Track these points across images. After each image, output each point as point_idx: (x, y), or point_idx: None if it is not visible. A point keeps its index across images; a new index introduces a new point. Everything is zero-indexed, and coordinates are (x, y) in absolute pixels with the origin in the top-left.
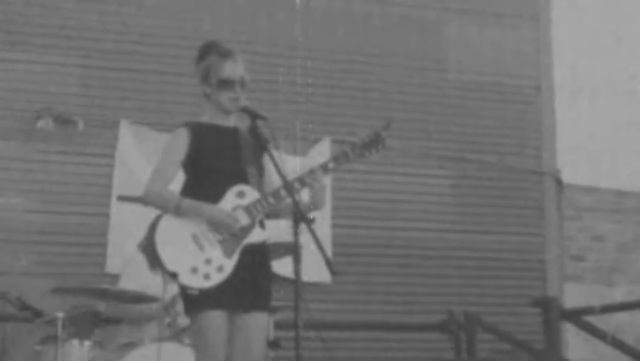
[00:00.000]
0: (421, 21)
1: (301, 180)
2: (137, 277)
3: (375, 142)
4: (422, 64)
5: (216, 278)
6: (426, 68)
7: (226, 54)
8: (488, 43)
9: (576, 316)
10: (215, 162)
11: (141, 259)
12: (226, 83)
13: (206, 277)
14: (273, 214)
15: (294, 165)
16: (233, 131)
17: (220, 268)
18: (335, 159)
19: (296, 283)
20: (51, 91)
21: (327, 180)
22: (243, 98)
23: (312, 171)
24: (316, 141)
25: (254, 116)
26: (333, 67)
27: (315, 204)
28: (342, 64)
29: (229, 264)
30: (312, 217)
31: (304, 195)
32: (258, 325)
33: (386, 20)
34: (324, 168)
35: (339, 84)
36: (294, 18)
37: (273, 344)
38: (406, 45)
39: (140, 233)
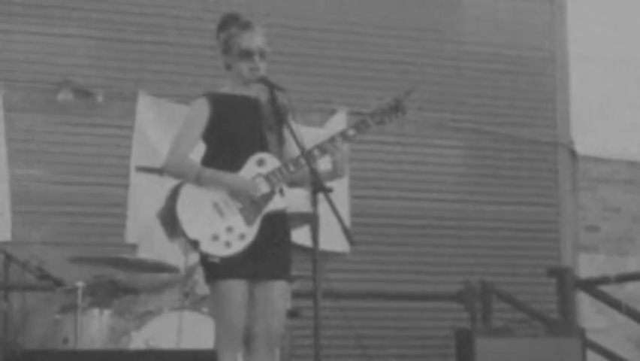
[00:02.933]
0: None
1: (321, 148)
2: (155, 247)
3: (394, 109)
4: (437, 36)
5: (238, 246)
6: (441, 40)
7: (246, 25)
8: (502, 15)
9: (591, 285)
10: (236, 131)
11: (159, 229)
12: (246, 54)
13: (228, 244)
14: (293, 183)
15: (311, 136)
16: (254, 101)
17: (242, 236)
18: (355, 126)
19: (314, 253)
20: (70, 63)
21: (346, 149)
22: (262, 68)
23: (332, 139)
24: (333, 112)
25: (272, 87)
26: (350, 38)
27: (336, 173)
28: (358, 35)
29: (250, 232)
30: (329, 187)
31: (323, 165)
32: (278, 294)
33: None
34: (344, 135)
35: (356, 56)
36: None
37: (293, 314)
38: (421, 17)
39: (158, 203)
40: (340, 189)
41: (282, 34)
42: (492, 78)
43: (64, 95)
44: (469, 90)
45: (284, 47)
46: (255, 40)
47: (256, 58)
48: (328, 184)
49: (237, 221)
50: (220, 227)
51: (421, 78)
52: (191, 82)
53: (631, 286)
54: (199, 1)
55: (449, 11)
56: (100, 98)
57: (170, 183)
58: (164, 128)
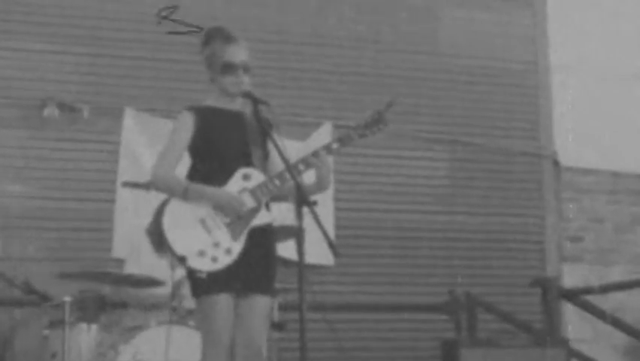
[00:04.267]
0: (415, 5)
1: (306, 162)
2: (142, 262)
3: (377, 122)
4: (417, 48)
5: (224, 261)
6: (421, 52)
7: (229, 39)
8: (483, 26)
9: (575, 295)
10: (221, 145)
11: (146, 244)
12: (229, 68)
13: (214, 259)
14: (278, 197)
15: (295, 149)
16: (238, 114)
17: (228, 251)
18: (338, 139)
19: (299, 266)
20: (56, 79)
21: (330, 162)
22: (246, 82)
23: (316, 153)
24: (317, 125)
25: (256, 101)
26: (333, 52)
27: (321, 186)
28: (343, 49)
29: (237, 246)
30: (314, 200)
31: (307, 178)
32: (262, 308)
33: (379, 4)
34: (327, 148)
35: (340, 70)
36: (294, 5)
37: (278, 327)
38: (400, 29)
39: (145, 218)
40: (325, 201)
41: (266, 49)
42: (475, 90)
43: (50, 111)
44: (451, 102)
45: (269, 61)
46: (238, 54)
47: (240, 72)
48: (312, 197)
49: (223, 236)
50: (207, 242)
51: (405, 91)
52: (177, 97)
53: (615, 296)
54: (186, 17)
55: (428, 23)
56: (86, 114)
57: (157, 198)
58: (151, 143)
